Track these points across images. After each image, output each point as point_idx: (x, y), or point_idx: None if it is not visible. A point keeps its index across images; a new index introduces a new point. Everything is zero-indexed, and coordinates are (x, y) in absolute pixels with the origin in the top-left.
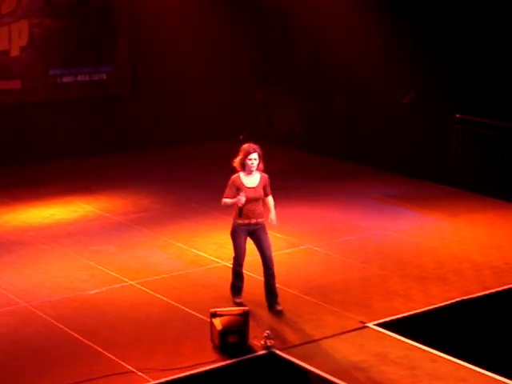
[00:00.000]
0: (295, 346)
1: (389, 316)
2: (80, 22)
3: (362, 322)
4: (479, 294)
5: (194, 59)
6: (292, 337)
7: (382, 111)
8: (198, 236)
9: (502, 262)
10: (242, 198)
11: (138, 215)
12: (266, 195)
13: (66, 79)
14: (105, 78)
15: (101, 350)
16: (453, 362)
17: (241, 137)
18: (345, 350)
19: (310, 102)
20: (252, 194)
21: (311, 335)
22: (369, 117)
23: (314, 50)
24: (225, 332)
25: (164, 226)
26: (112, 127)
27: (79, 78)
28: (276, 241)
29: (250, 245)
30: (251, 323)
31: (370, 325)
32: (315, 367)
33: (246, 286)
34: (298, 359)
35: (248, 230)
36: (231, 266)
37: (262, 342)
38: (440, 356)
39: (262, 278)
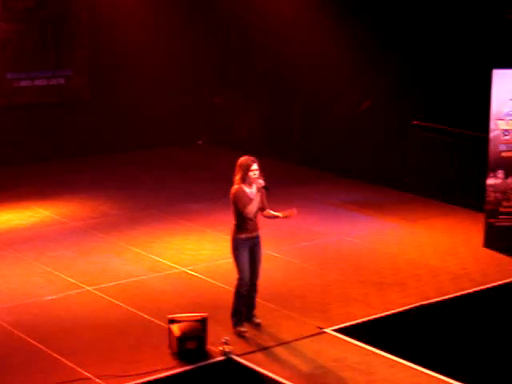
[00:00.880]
0: (253, 351)
1: (347, 321)
2: (38, 26)
3: (319, 328)
4: (437, 300)
5: (153, 64)
6: (250, 342)
7: (341, 118)
8: (156, 241)
9: (459, 268)
10: (260, 182)
11: (96, 221)
12: (264, 208)
13: (23, 83)
14: (63, 82)
15: (58, 356)
16: (410, 367)
17: (199, 142)
18: (303, 355)
19: (269, 108)
20: (256, 207)
21: (269, 341)
22: (327, 123)
23: (274, 56)
24: (183, 338)
25: (122, 232)
26: (70, 132)
27: (37, 82)
28: None
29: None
30: (209, 329)
31: (328, 330)
32: (273, 373)
33: (204, 291)
34: (257, 365)
35: (250, 244)
36: (236, 288)
37: (221, 348)
38: (397, 361)
39: (217, 282)
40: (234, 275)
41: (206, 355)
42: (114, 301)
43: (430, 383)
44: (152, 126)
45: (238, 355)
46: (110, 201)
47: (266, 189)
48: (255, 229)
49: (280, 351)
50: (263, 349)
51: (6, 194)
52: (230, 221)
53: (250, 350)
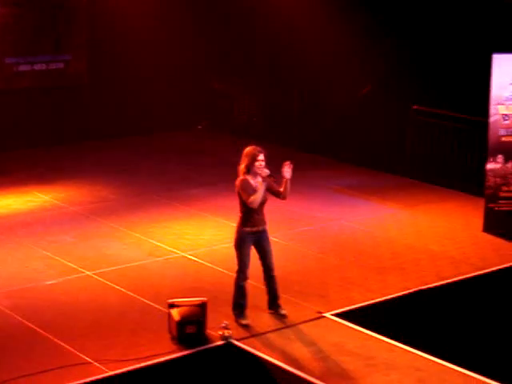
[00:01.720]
0: (253, 336)
1: (346, 306)
2: (37, 10)
3: (319, 312)
4: (436, 284)
5: (153, 49)
6: (250, 327)
7: (341, 102)
8: (156, 226)
9: (458, 253)
10: (266, 171)
11: (96, 206)
12: (279, 193)
13: (22, 68)
14: (62, 67)
15: (57, 341)
16: (409, 351)
17: (199, 127)
18: (302, 340)
19: (268, 93)
20: (261, 198)
21: (269, 325)
22: (327, 108)
23: (273, 42)
24: (182, 323)
25: (122, 217)
26: (69, 117)
27: (36, 66)
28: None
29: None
30: (209, 313)
31: (328, 315)
32: (272, 357)
33: (204, 275)
34: (256, 349)
35: (255, 238)
36: (235, 280)
37: (220, 333)
38: (396, 346)
39: (217, 267)
40: (233, 260)
41: (206, 340)
42: (113, 285)
43: (430, 367)
44: (151, 110)
45: (238, 339)
46: (109, 186)
47: (273, 180)
48: (261, 223)
49: (279, 336)
50: (262, 333)
51: (6, 178)
52: (230, 206)
53: (250, 334)
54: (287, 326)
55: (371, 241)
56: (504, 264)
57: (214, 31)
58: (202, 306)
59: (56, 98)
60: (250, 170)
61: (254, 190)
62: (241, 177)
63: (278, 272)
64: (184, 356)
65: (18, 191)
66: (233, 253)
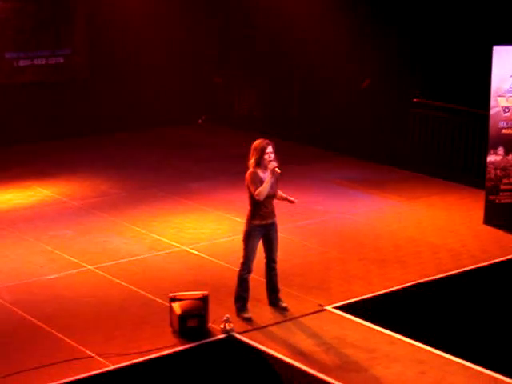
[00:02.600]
0: (254, 329)
1: (347, 299)
2: (37, 4)
3: (320, 305)
4: (437, 277)
5: (153, 43)
6: (251, 320)
7: (341, 95)
8: (157, 220)
9: (459, 245)
10: (273, 163)
11: (97, 200)
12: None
13: (22, 63)
14: (62, 61)
15: (59, 335)
16: (411, 344)
17: (200, 121)
18: (304, 333)
19: (269, 87)
20: (269, 191)
21: (270, 319)
22: (328, 101)
23: (273, 34)
24: (184, 316)
25: (122, 211)
26: (70, 112)
27: (36, 61)
28: (235, 225)
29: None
30: (210, 307)
31: (329, 308)
32: (274, 350)
33: (205, 269)
34: (258, 343)
35: (264, 231)
36: (238, 273)
37: (222, 326)
38: (398, 338)
39: (218, 261)
40: (234, 254)
41: (207, 333)
42: (115, 279)
43: (431, 359)
44: (152, 104)
45: (239, 333)
46: (110, 180)
47: (279, 172)
48: (270, 215)
49: (281, 329)
50: (264, 326)
51: (7, 173)
52: (230, 199)
53: (251, 327)
54: (289, 319)
55: (372, 234)
56: (505, 256)
57: (214, 25)
58: (204, 300)
59: (56, 93)
60: (259, 163)
61: (261, 183)
62: (250, 169)
63: (279, 265)
64: (186, 350)
65: (18, 186)
66: (234, 246)
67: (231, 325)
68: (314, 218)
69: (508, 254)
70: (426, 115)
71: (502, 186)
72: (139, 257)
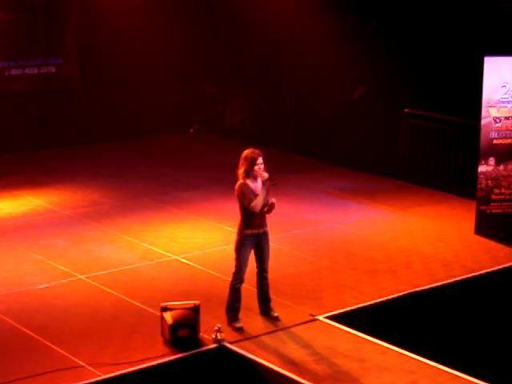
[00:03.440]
0: (246, 339)
1: (339, 309)
2: (29, 14)
3: (312, 315)
4: (428, 287)
5: (144, 52)
6: (242, 330)
7: (332, 106)
8: (149, 230)
9: (450, 255)
10: (265, 174)
11: (88, 209)
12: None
13: (14, 72)
14: (54, 70)
15: (50, 344)
16: (402, 354)
17: (191, 130)
18: (295, 343)
19: (260, 96)
20: (262, 202)
21: (262, 328)
22: (319, 111)
23: (265, 44)
24: (175, 326)
25: (114, 220)
26: (61, 121)
27: (27, 70)
28: (227, 234)
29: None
30: (202, 317)
31: (320, 318)
32: (266, 360)
33: (196, 279)
34: (249, 352)
35: (255, 240)
36: (230, 282)
37: (213, 336)
38: (389, 348)
39: (210, 270)
40: (226, 263)
41: (199, 343)
42: (106, 289)
43: (422, 369)
44: (143, 114)
45: (231, 343)
46: (101, 189)
47: (273, 183)
48: (262, 225)
49: (272, 339)
50: (255, 336)
51: None
52: (222, 209)
53: (243, 337)
54: (280, 329)
55: (363, 243)
56: (496, 266)
57: (205, 34)
58: (195, 310)
59: (48, 102)
60: (249, 173)
61: (254, 194)
62: (240, 181)
63: (270, 275)
64: (177, 359)
65: (9, 195)
66: (225, 256)
67: (222, 334)
68: (306, 228)
69: (499, 264)
70: (417, 125)
71: (493, 197)
72: (130, 266)
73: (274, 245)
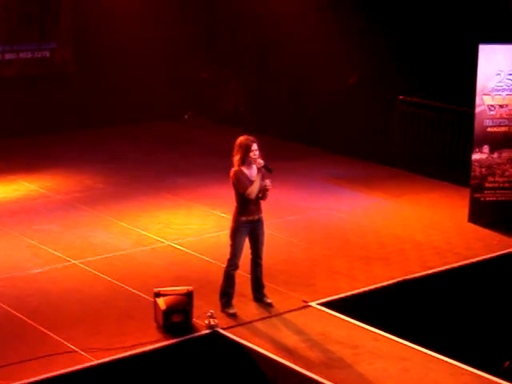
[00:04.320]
0: (239, 325)
1: (332, 295)
2: None
3: (305, 302)
4: (421, 274)
5: (138, 38)
6: (236, 316)
7: (328, 92)
8: (143, 215)
9: (444, 243)
10: (260, 161)
11: (82, 194)
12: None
13: (8, 56)
14: (48, 55)
15: (44, 329)
16: (394, 341)
17: (186, 116)
18: (288, 329)
19: (256, 82)
20: (258, 189)
21: (255, 314)
22: (314, 98)
23: (261, 30)
24: (168, 312)
25: (108, 206)
26: (56, 106)
27: (21, 55)
28: (221, 221)
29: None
30: (195, 303)
31: (314, 304)
32: (259, 346)
33: (190, 265)
34: (242, 338)
35: (250, 227)
36: (225, 268)
37: (206, 322)
38: (382, 335)
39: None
40: (220, 249)
41: (192, 328)
42: (99, 274)
43: (415, 356)
44: (138, 99)
45: (224, 328)
46: (96, 175)
47: (268, 170)
48: (257, 212)
49: (265, 325)
50: (248, 322)
51: None
52: (217, 195)
53: (236, 323)
54: (273, 315)
55: (357, 231)
56: (489, 254)
57: (201, 20)
58: (189, 295)
59: (42, 87)
60: (244, 160)
61: (249, 181)
62: (235, 168)
63: (264, 261)
64: (170, 345)
65: (4, 180)
66: (219, 242)
67: (216, 320)
68: (300, 215)
69: (492, 252)
70: (411, 113)
71: (487, 184)
72: (124, 252)
73: (269, 231)
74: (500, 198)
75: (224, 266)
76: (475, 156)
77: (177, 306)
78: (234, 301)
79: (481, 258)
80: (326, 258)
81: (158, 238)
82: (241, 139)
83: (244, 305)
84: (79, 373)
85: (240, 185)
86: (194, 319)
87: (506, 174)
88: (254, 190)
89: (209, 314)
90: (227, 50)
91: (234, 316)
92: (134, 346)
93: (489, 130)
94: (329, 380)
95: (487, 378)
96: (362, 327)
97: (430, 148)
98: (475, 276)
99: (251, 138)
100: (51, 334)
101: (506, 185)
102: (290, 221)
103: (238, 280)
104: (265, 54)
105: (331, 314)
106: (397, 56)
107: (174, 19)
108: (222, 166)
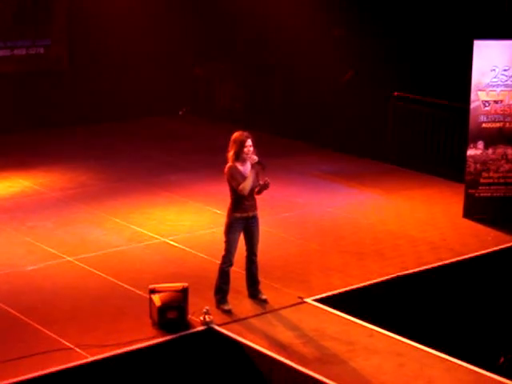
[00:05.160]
0: (234, 321)
1: (327, 291)
2: None
3: (300, 298)
4: (416, 270)
5: (133, 34)
6: (231, 312)
7: (322, 89)
8: (137, 212)
9: (438, 238)
10: (254, 157)
11: (76, 191)
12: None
13: (2, 53)
14: (42, 52)
15: (38, 326)
16: (389, 336)
17: (180, 112)
18: (283, 325)
19: (250, 79)
20: (251, 185)
21: (250, 311)
22: (308, 94)
23: (256, 27)
24: (163, 308)
25: (102, 202)
26: (50, 102)
27: (16, 51)
28: (216, 217)
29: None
30: (190, 299)
31: (309, 300)
32: (254, 342)
33: (184, 261)
34: (237, 335)
35: (244, 224)
36: (220, 265)
37: (201, 318)
38: (377, 331)
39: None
40: (214, 246)
41: (187, 325)
42: (94, 271)
43: (410, 352)
44: (132, 95)
45: (219, 325)
46: (89, 171)
47: (262, 166)
48: (252, 208)
49: (260, 321)
50: (243, 318)
51: None
52: (210, 191)
53: (231, 319)
54: (268, 312)
55: (352, 227)
56: (484, 250)
57: (195, 16)
58: (183, 292)
59: (36, 83)
60: (238, 156)
61: (243, 177)
62: (229, 163)
63: (259, 258)
64: (165, 341)
65: None
66: (214, 238)
67: (211, 317)
68: (294, 211)
69: (487, 248)
70: (406, 109)
71: (482, 180)
72: (119, 248)
73: (263, 227)
74: (494, 194)
75: (219, 262)
76: (470, 152)
77: (172, 302)
78: (229, 297)
79: (475, 253)
80: (321, 254)
81: (153, 235)
82: (235, 135)
83: (239, 301)
84: (74, 370)
85: (233, 181)
86: (189, 316)
87: (501, 169)
88: (246, 187)
89: (204, 310)
90: (222, 46)
91: (229, 312)
92: (128, 343)
93: (483, 125)
94: (324, 376)
95: (482, 374)
96: (357, 323)
97: (424, 144)
98: (470, 272)
99: (246, 133)
100: (46, 331)
101: (501, 180)
102: (285, 217)
103: (232, 276)
104: (259, 50)
105: (326, 310)
106: (391, 52)
107: (168, 15)
108: (216, 162)
